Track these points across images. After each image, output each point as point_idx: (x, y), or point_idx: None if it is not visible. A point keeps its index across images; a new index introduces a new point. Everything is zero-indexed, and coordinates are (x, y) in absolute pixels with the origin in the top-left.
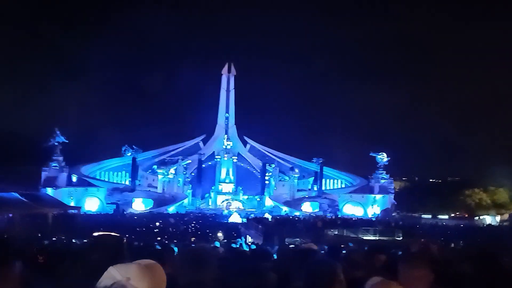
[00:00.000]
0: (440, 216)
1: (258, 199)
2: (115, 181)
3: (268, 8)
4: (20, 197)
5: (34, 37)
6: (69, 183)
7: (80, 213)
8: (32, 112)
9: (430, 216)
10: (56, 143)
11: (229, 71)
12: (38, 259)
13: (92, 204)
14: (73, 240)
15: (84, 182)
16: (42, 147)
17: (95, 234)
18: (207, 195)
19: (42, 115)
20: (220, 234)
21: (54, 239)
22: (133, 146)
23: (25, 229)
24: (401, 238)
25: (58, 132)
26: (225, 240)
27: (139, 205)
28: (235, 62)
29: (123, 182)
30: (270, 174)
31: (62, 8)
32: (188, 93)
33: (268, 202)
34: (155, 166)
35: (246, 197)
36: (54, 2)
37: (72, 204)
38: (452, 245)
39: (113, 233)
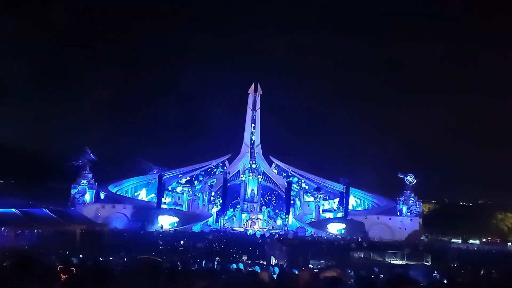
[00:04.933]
0: (471, 241)
1: (283, 219)
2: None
3: (294, 29)
4: (49, 213)
5: (66, 63)
6: (97, 200)
7: (107, 230)
8: (63, 131)
9: (460, 240)
10: (85, 161)
11: (255, 90)
12: (61, 277)
13: (119, 221)
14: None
15: (111, 199)
16: (73, 165)
17: (140, 257)
18: (230, 213)
19: (72, 134)
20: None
21: (81, 256)
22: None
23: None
24: (430, 263)
25: (88, 151)
26: (249, 261)
27: (164, 223)
28: (261, 82)
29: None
30: (295, 192)
31: (100, 32)
32: (215, 113)
33: (293, 222)
34: (182, 181)
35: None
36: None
37: (99, 220)
38: (483, 271)
39: (154, 258)
